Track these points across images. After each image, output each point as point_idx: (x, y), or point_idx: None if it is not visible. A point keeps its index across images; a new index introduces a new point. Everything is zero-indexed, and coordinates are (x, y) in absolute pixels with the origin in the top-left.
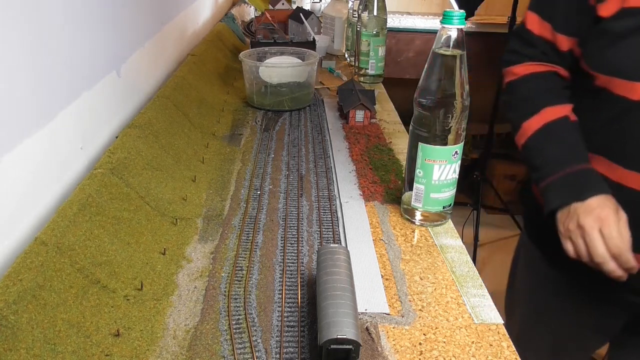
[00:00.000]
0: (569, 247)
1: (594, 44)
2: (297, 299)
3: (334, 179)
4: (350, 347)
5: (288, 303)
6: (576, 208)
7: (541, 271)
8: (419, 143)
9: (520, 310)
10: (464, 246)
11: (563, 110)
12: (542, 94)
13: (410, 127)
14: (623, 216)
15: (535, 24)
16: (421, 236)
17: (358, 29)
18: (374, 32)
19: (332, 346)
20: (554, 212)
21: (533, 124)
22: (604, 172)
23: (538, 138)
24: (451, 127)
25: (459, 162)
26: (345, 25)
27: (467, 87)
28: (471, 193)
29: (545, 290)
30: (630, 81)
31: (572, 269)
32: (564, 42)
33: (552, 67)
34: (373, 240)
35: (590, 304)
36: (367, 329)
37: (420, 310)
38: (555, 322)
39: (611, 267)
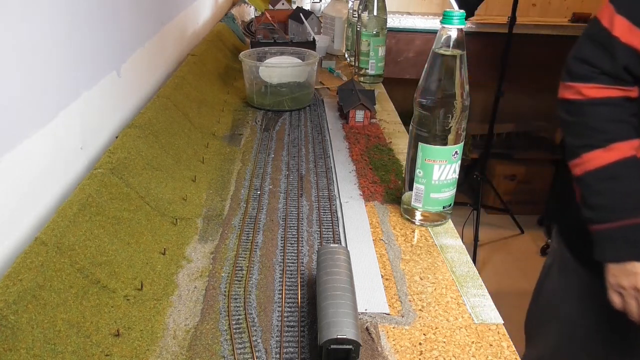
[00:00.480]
0: (616, 301)
1: None
2: (297, 299)
3: (334, 179)
4: (350, 347)
5: (288, 303)
6: (635, 268)
7: (586, 290)
8: (419, 143)
9: (552, 335)
10: (464, 246)
11: (632, 146)
12: (612, 126)
13: (410, 127)
14: None
15: (625, 31)
16: (421, 236)
17: (358, 29)
18: (374, 32)
19: (332, 346)
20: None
21: (597, 159)
22: None
23: (601, 177)
24: (451, 127)
25: (459, 162)
26: (345, 25)
27: (467, 87)
28: (471, 193)
29: (590, 315)
30: None
31: None
32: None
33: (626, 90)
34: (373, 240)
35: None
36: (367, 329)
37: (420, 310)
38: (597, 349)
39: None
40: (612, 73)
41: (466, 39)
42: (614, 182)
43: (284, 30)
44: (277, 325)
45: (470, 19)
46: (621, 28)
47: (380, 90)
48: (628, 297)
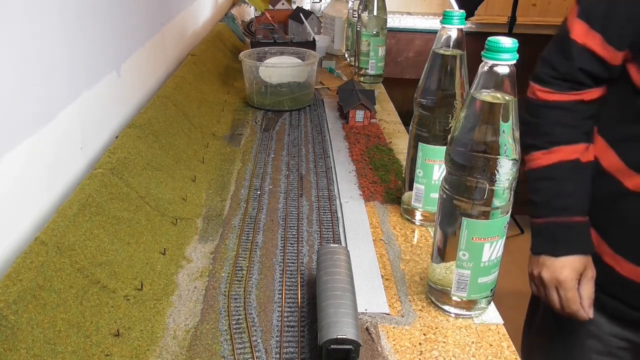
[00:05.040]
0: (532, 288)
1: None
2: (297, 299)
3: (334, 179)
4: (350, 347)
5: (288, 303)
6: (544, 260)
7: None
8: (419, 143)
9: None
10: None
11: (575, 150)
12: (559, 129)
13: (410, 127)
14: (588, 275)
15: (582, 34)
16: (421, 236)
17: (358, 29)
18: (374, 32)
19: (332, 346)
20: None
21: (540, 159)
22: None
23: (539, 176)
24: (451, 127)
25: None
26: (345, 25)
27: (467, 87)
28: None
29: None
30: None
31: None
32: (616, 56)
33: (579, 94)
34: (373, 240)
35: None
36: (367, 329)
37: (420, 310)
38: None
39: (568, 316)
40: (568, 76)
41: (466, 39)
42: (548, 182)
43: (284, 30)
44: (277, 325)
45: (470, 19)
46: (578, 31)
47: (380, 90)
48: (539, 286)
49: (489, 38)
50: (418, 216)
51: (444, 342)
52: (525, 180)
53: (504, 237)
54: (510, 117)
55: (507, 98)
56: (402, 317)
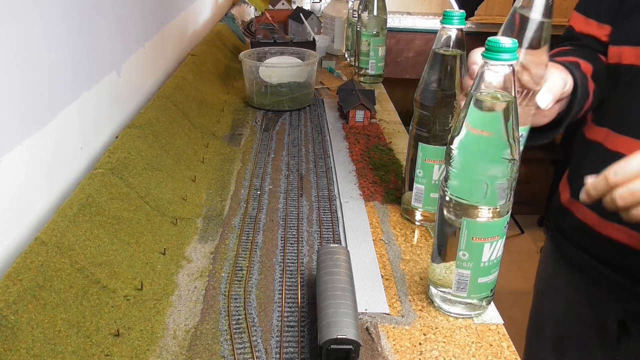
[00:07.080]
0: None
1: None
2: (297, 299)
3: (334, 179)
4: (350, 347)
5: (288, 303)
6: None
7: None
8: (419, 143)
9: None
10: None
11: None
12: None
13: (410, 127)
14: None
15: (580, 22)
16: (421, 236)
17: (358, 29)
18: (374, 32)
19: (332, 346)
20: None
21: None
22: (602, 142)
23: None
24: (451, 127)
25: None
26: (345, 25)
27: None
28: None
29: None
30: (637, 47)
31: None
32: (606, 31)
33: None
34: (373, 240)
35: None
36: (367, 329)
37: (420, 310)
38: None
39: None
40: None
41: (466, 39)
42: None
43: (284, 30)
44: (277, 325)
45: (470, 19)
46: (576, 21)
47: (380, 90)
48: None
49: (489, 38)
50: (418, 216)
51: (444, 342)
52: (524, 180)
53: (504, 237)
54: (510, 117)
55: (507, 98)
56: (402, 317)
